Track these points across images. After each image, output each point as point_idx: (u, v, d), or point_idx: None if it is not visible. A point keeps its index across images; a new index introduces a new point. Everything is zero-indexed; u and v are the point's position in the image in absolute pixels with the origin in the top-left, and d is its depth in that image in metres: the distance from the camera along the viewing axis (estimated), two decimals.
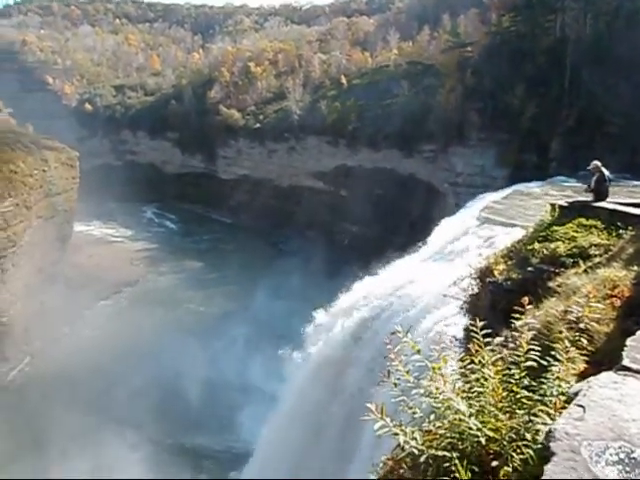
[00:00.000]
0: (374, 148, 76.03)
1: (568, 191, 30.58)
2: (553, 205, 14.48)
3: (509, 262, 14.03)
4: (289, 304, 56.12)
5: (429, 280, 20.61)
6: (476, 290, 14.48)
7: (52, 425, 42.26)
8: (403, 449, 4.12)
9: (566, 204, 14.43)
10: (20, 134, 66.91)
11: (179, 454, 42.70)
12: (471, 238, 24.30)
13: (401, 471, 4.01)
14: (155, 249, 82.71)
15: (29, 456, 40.23)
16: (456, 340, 11.04)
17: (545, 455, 2.61)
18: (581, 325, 5.13)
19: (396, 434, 3.69)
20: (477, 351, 4.48)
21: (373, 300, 21.75)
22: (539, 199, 30.04)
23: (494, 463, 3.55)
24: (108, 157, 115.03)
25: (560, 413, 3.32)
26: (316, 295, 42.56)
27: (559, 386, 3.88)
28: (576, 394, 3.18)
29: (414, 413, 3.99)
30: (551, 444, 2.64)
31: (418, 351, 4.21)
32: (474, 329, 4.60)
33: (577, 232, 12.95)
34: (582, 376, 4.11)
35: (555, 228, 13.44)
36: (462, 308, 14.37)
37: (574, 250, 12.43)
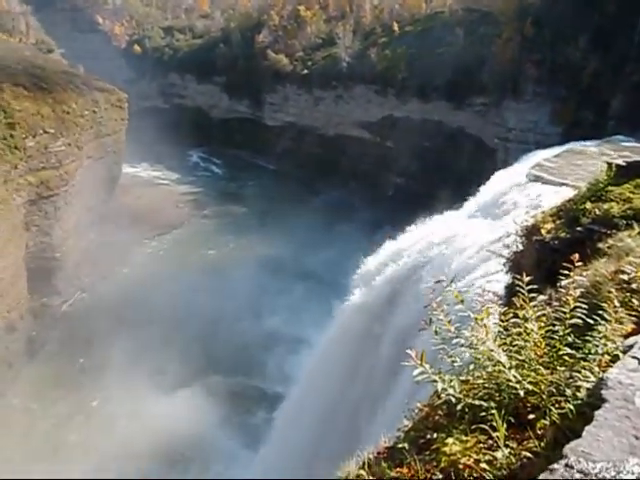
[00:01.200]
0: (423, 99, 73.88)
1: (626, 151, 29.20)
2: (610, 164, 13.83)
3: (557, 221, 13.61)
4: (329, 253, 56.65)
5: (473, 236, 20.32)
6: (521, 248, 14.19)
7: (100, 354, 44.87)
8: (439, 396, 4.20)
9: (624, 164, 13.77)
10: (72, 75, 67.82)
11: (216, 391, 44.59)
12: (519, 195, 23.67)
13: (436, 417, 4.07)
14: (200, 193, 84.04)
15: (85, 379, 43.12)
16: (497, 297, 10.94)
17: (592, 404, 2.60)
18: (633, 286, 4.98)
19: (434, 381, 3.74)
20: (521, 306, 4.44)
21: (415, 253, 21.68)
22: (594, 158, 28.79)
23: (531, 416, 3.57)
24: (156, 100, 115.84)
25: (604, 372, 3.28)
26: (357, 245, 42.67)
27: (605, 345, 3.82)
28: (630, 347, 3.12)
29: (453, 362, 4.02)
30: (603, 391, 2.62)
31: (461, 301, 4.20)
32: (519, 284, 4.54)
33: (633, 193, 12.39)
34: (630, 337, 4.02)
35: (610, 188, 12.88)
36: (505, 265, 14.13)
37: (629, 212, 11.93)
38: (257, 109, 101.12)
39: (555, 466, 2.36)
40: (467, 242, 20.19)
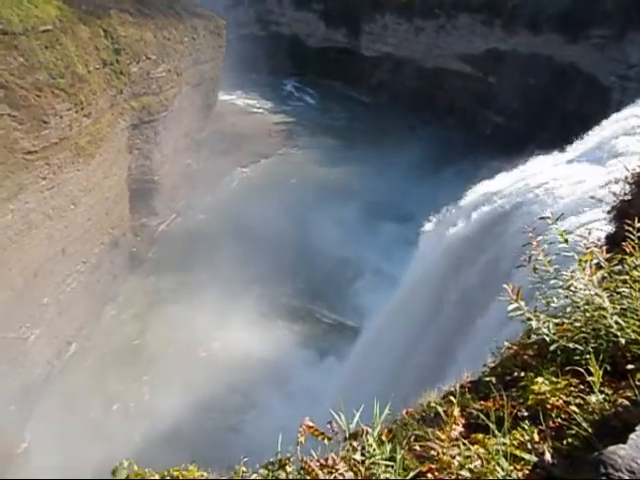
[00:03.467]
0: (533, 31, 68.39)
1: None
2: None
3: None
4: (420, 190, 55.54)
5: (577, 180, 19.06)
6: (629, 196, 13.16)
7: (194, 271, 47.81)
8: (529, 336, 4.07)
9: None
10: (172, 0, 68.51)
11: (297, 316, 46.42)
12: (632, 140, 21.70)
13: (525, 357, 3.97)
14: (292, 123, 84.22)
15: (183, 292, 46.36)
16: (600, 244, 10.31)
17: None
18: None
19: (528, 319, 3.62)
20: (630, 252, 4.14)
21: (512, 194, 20.74)
22: None
23: (630, 366, 3.38)
24: (253, 27, 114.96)
25: None
26: (451, 183, 41.56)
27: None
28: None
29: (549, 303, 3.86)
30: None
31: (566, 240, 3.97)
32: (629, 230, 4.23)
33: None
34: None
35: None
36: (610, 213, 13.20)
37: None
38: (354, 39, 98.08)
39: None
40: (569, 187, 19.01)
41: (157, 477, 3.36)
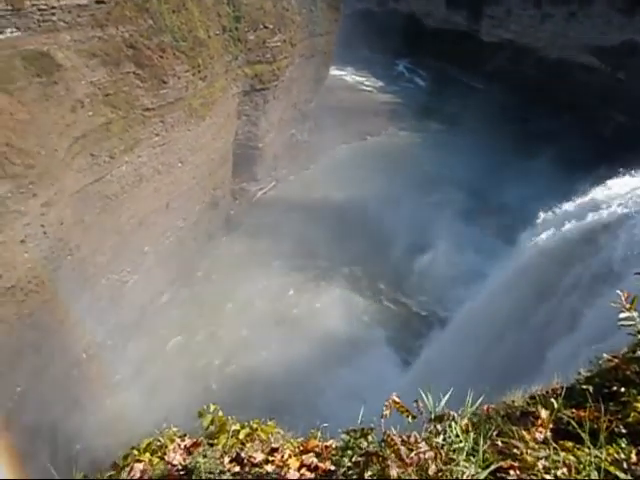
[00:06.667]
0: None
1: None
2: None
3: None
4: (523, 186, 53.12)
5: None
6: None
7: (286, 241, 48.99)
8: (635, 351, 3.79)
9: None
10: None
11: (381, 298, 46.29)
12: None
13: (627, 372, 3.71)
14: (400, 104, 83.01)
15: (272, 258, 47.79)
16: None
17: None
18: None
19: (638, 332, 3.36)
20: None
21: (627, 202, 19.26)
22: None
23: None
24: (370, 3, 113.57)
25: None
26: (556, 184, 39.46)
27: None
28: None
29: None
30: None
31: None
32: None
33: None
34: None
35: None
36: None
37: None
38: (474, 22, 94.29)
39: None
40: None
41: (238, 427, 3.50)
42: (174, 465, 2.96)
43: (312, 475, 2.54)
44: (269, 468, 2.71)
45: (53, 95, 32.46)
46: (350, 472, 2.45)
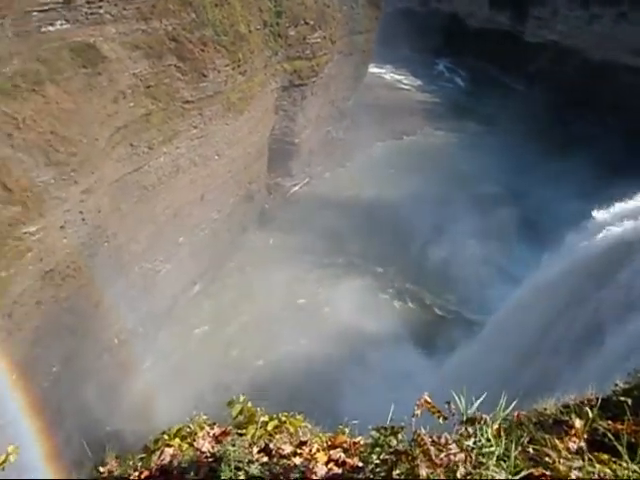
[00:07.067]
0: None
1: None
2: None
3: None
4: (561, 192, 51.94)
5: None
6: None
7: (318, 237, 49.07)
8: None
9: None
10: None
11: (410, 298, 46.01)
12: None
13: None
14: (438, 103, 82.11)
15: (304, 254, 47.92)
16: None
17: None
18: None
19: None
20: None
21: None
22: None
23: None
24: (411, 2, 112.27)
25: None
26: (591, 192, 38.58)
27: None
28: None
29: None
30: None
31: None
32: None
33: None
34: None
35: None
36: None
37: None
38: (518, 22, 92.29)
39: None
40: None
41: (266, 418, 3.53)
42: (203, 452, 3.00)
43: (339, 470, 2.55)
44: (297, 461, 2.73)
45: (97, 86, 33.25)
46: (378, 469, 2.44)
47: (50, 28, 31.72)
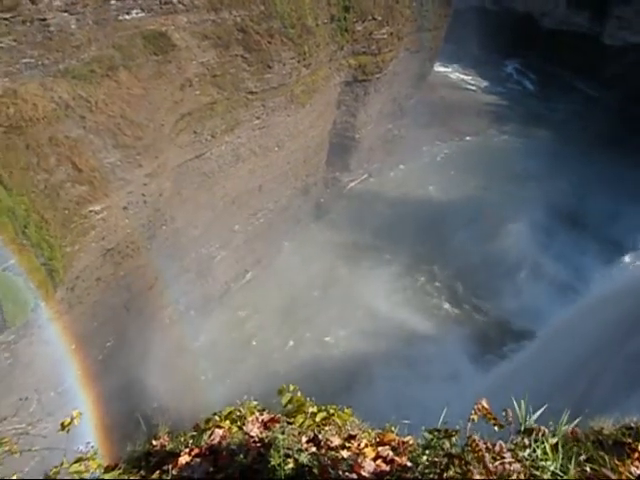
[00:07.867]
0: None
1: None
2: None
3: None
4: (634, 208, 49.40)
5: None
6: None
7: (370, 234, 48.94)
8: None
9: None
10: None
11: (461, 304, 45.15)
12: None
13: None
14: (504, 106, 79.86)
15: (356, 251, 47.97)
16: None
17: None
18: None
19: None
20: None
21: None
22: None
23: None
24: (484, 0, 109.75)
25: None
26: None
27: None
28: None
29: None
30: None
31: None
32: None
33: None
34: None
35: None
36: None
37: None
38: (597, 23, 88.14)
39: None
40: None
41: (315, 409, 3.54)
42: (252, 436, 3.04)
43: (387, 468, 2.52)
44: (345, 454, 2.72)
45: (166, 73, 34.20)
46: (427, 471, 2.40)
47: (126, 16, 32.85)
